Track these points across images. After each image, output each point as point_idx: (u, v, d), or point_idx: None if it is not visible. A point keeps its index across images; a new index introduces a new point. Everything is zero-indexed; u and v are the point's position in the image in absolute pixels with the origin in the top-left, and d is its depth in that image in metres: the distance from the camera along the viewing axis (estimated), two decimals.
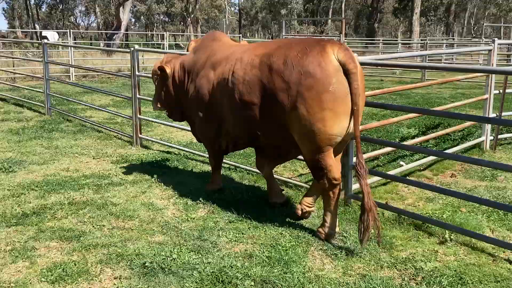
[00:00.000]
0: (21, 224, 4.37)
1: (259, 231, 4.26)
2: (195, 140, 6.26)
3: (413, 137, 7.61)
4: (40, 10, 55.00)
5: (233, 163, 6.21)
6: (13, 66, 15.74)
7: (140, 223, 4.47)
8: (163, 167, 6.24)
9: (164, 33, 44.96)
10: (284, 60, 3.84)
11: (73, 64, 15.72)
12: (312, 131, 3.76)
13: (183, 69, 5.04)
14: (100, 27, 41.83)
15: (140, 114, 7.49)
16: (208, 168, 6.11)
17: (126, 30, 30.62)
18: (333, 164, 3.93)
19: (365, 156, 5.38)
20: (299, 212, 4.35)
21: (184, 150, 6.94)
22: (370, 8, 49.17)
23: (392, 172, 5.56)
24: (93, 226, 4.37)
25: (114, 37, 25.68)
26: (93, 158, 6.69)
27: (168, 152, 7.05)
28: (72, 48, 17.02)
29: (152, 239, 4.12)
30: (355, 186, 4.86)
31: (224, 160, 6.30)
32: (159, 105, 5.39)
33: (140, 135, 7.50)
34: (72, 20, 54.39)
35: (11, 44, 23.04)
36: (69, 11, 52.10)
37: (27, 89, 11.89)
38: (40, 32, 42.67)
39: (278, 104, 3.88)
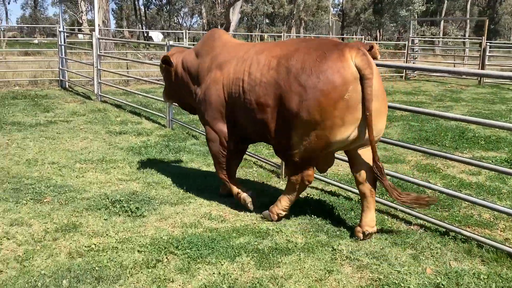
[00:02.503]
0: None
1: None
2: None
3: None
4: (147, 11, 56.37)
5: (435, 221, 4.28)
6: (127, 68, 14.94)
7: None
8: (336, 220, 4.47)
9: (262, 34, 44.04)
10: (303, 64, 3.78)
11: None
12: (317, 136, 3.76)
13: (185, 66, 4.97)
14: (205, 28, 41.60)
15: None
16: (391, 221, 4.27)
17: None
18: (312, 168, 4.09)
19: None
20: (361, 235, 4.06)
21: (351, 191, 5.13)
22: (489, 10, 44.63)
23: None
24: None
25: None
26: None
27: (330, 193, 5.28)
28: None
29: None
30: None
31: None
32: (165, 97, 5.48)
33: None
34: (176, 21, 55.02)
35: (125, 45, 22.77)
36: (176, 11, 52.63)
37: (141, 94, 10.71)
38: (147, 33, 43.48)
39: (292, 106, 3.80)
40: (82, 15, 43.78)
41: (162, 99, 6.17)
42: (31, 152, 6.60)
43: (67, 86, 13.31)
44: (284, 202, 4.35)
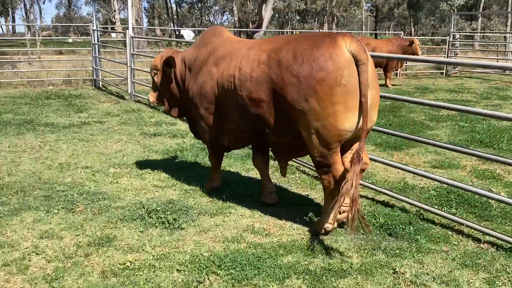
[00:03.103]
0: None
1: None
2: (410, 182, 5.06)
3: None
4: (179, 9, 56.42)
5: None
6: None
7: None
8: (393, 235, 4.02)
9: (293, 31, 43.26)
10: (294, 54, 3.69)
11: None
12: (323, 126, 3.60)
13: (184, 65, 4.95)
14: (236, 26, 41.27)
15: None
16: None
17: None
18: (339, 161, 3.79)
19: None
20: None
21: (406, 202, 4.65)
22: None
23: None
24: None
25: (254, 36, 24.24)
26: (277, 207, 4.70)
27: (382, 203, 4.82)
28: None
29: None
30: None
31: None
32: (155, 100, 5.26)
33: None
34: (207, 19, 54.88)
35: (157, 43, 22.63)
36: (207, 9, 52.49)
37: None
38: (179, 31, 43.44)
39: (288, 99, 3.71)
40: (114, 14, 44.12)
41: (149, 100, 5.81)
42: (64, 155, 6.37)
43: (100, 85, 13.18)
44: (328, 213, 3.95)
